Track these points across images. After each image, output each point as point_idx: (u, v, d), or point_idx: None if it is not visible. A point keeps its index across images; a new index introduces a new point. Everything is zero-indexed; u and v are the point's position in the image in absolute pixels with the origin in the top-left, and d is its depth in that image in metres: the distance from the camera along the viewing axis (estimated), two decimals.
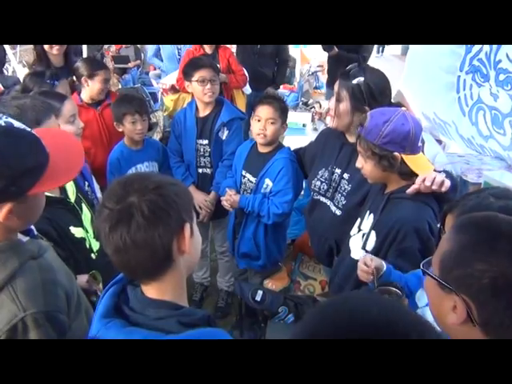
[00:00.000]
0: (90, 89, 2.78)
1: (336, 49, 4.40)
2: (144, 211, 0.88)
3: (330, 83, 4.73)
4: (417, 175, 1.61)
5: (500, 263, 0.83)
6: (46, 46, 2.98)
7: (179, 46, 4.63)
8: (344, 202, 2.02)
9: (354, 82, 1.89)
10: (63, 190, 1.65)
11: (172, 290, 0.97)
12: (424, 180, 1.57)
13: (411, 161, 1.61)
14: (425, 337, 0.60)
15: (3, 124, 0.99)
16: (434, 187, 1.56)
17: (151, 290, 0.97)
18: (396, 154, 1.58)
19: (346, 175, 2.02)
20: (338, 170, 2.05)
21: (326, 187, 2.09)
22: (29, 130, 1.05)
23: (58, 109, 1.83)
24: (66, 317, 1.07)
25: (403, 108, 1.70)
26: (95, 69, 2.78)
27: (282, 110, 2.36)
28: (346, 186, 2.01)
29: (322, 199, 2.13)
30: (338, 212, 2.04)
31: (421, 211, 1.59)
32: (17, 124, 1.03)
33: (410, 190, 1.59)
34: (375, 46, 11.67)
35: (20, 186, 0.98)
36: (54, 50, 2.98)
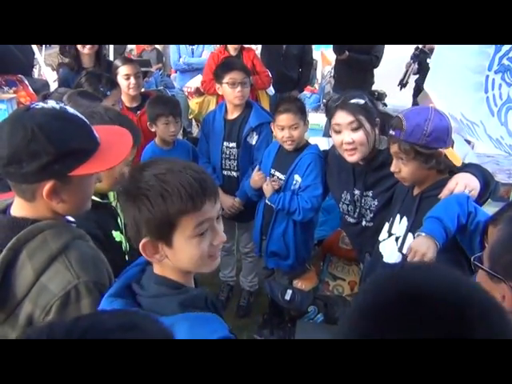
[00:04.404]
0: (120, 86, 2.76)
1: (347, 52, 4.26)
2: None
3: (338, 87, 4.51)
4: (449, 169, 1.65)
5: None
6: (78, 46, 2.96)
7: None
8: (372, 215, 2.06)
9: (357, 102, 1.93)
10: (105, 194, 1.70)
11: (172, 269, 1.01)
12: (457, 184, 1.58)
13: (449, 154, 1.64)
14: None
15: (58, 108, 1.08)
16: (466, 190, 1.58)
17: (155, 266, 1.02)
18: (440, 150, 1.60)
19: (368, 193, 2.05)
20: (356, 192, 2.08)
21: (352, 208, 2.13)
22: (81, 116, 1.12)
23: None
24: None
25: (431, 105, 1.74)
26: (116, 66, 2.82)
27: (301, 111, 2.36)
28: (372, 202, 2.04)
29: (352, 220, 2.16)
30: (370, 224, 2.09)
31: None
32: (71, 110, 1.11)
33: (443, 195, 1.60)
34: None
35: (63, 164, 1.04)
36: (85, 50, 2.97)
